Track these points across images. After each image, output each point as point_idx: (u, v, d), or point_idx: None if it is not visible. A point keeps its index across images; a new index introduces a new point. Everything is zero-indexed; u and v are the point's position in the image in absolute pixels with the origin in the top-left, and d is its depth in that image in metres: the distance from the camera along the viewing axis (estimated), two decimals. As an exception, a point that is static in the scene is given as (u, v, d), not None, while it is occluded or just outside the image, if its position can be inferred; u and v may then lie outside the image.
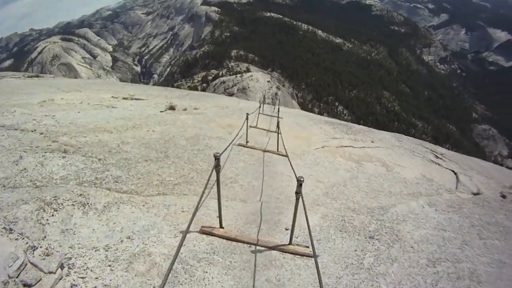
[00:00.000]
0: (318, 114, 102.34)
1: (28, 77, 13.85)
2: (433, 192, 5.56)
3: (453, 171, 6.94)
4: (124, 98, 9.81)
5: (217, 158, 2.75)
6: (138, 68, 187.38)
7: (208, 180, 2.76)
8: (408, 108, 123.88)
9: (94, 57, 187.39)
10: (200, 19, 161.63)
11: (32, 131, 5.22)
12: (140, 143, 5.52)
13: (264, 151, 6.67)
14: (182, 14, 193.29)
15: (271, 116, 11.56)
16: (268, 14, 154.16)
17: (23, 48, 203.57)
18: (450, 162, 7.82)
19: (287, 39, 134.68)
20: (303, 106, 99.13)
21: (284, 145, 6.15)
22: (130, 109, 8.14)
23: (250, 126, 8.31)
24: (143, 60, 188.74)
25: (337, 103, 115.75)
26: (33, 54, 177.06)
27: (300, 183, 2.60)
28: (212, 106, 10.83)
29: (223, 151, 3.69)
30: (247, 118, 6.75)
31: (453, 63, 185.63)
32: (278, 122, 7.49)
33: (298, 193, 2.70)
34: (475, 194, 5.61)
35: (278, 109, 10.73)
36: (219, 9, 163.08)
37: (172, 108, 8.90)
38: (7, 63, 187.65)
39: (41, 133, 5.18)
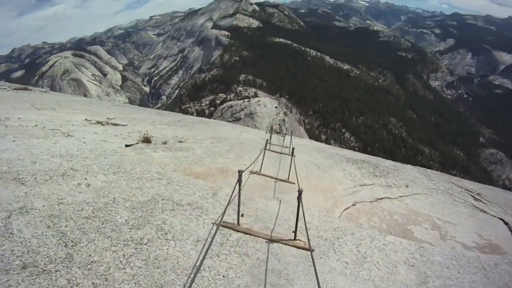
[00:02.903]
0: (325, 141, 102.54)
1: (14, 89, 12.86)
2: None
3: (502, 220, 6.15)
4: (98, 122, 8.19)
5: None
6: (147, 89, 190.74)
7: None
8: (415, 134, 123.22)
9: (104, 74, 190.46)
10: (210, 42, 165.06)
11: None
12: (43, 216, 3.21)
13: (271, 240, 3.74)
14: (193, 37, 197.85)
15: (280, 153, 9.07)
16: (277, 39, 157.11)
17: (35, 60, 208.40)
18: (491, 205, 6.98)
19: (295, 64, 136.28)
20: (310, 133, 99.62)
21: (305, 223, 3.48)
22: (85, 140, 6.09)
23: (251, 172, 6.14)
24: (152, 81, 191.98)
25: (344, 130, 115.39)
26: (44, 67, 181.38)
27: None
28: (205, 138, 8.60)
29: None
30: (239, 182, 3.68)
31: (459, 87, 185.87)
32: (295, 181, 4.90)
33: None
34: None
35: (292, 149, 7.06)
36: (229, 33, 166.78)
37: (146, 140, 6.75)
38: (18, 73, 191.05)
39: None
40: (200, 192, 4.62)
